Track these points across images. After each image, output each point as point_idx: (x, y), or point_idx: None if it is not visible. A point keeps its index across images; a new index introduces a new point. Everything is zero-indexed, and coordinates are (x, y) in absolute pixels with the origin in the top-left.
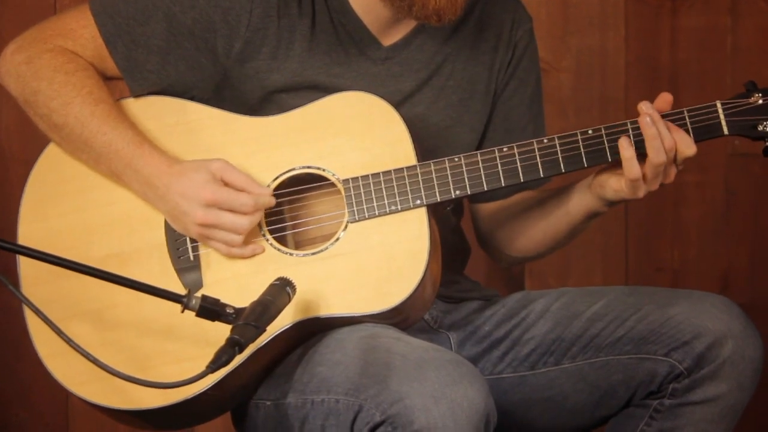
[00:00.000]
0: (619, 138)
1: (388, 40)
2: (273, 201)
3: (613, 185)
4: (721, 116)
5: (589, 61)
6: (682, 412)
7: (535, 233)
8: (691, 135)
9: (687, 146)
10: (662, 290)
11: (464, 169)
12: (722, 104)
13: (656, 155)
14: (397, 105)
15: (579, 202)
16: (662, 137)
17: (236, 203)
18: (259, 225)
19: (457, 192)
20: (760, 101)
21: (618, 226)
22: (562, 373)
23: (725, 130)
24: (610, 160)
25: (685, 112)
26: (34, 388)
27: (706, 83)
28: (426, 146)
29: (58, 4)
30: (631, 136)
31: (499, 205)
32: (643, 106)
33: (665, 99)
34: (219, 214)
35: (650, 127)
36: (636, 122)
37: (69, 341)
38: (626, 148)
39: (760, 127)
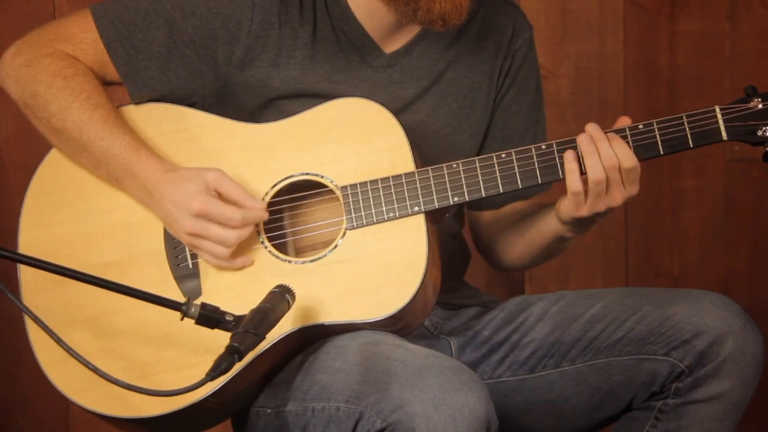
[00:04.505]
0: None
1: (390, 47)
2: (265, 216)
3: (560, 204)
4: (720, 121)
5: (588, 66)
6: (686, 411)
7: (516, 248)
8: (690, 141)
9: (626, 159)
10: (660, 290)
11: (462, 175)
12: (721, 109)
13: (593, 171)
14: (398, 112)
15: (546, 221)
16: (600, 154)
17: (223, 217)
18: (257, 232)
19: (455, 198)
20: (760, 106)
21: (617, 231)
22: (562, 375)
23: (724, 136)
24: (561, 176)
25: (684, 117)
26: (34, 395)
27: (705, 88)
28: (426, 153)
29: (56, 11)
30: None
31: (492, 215)
32: (589, 126)
33: (622, 123)
34: (207, 225)
35: (587, 144)
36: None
37: (68, 349)
38: (570, 162)
39: (760, 132)
